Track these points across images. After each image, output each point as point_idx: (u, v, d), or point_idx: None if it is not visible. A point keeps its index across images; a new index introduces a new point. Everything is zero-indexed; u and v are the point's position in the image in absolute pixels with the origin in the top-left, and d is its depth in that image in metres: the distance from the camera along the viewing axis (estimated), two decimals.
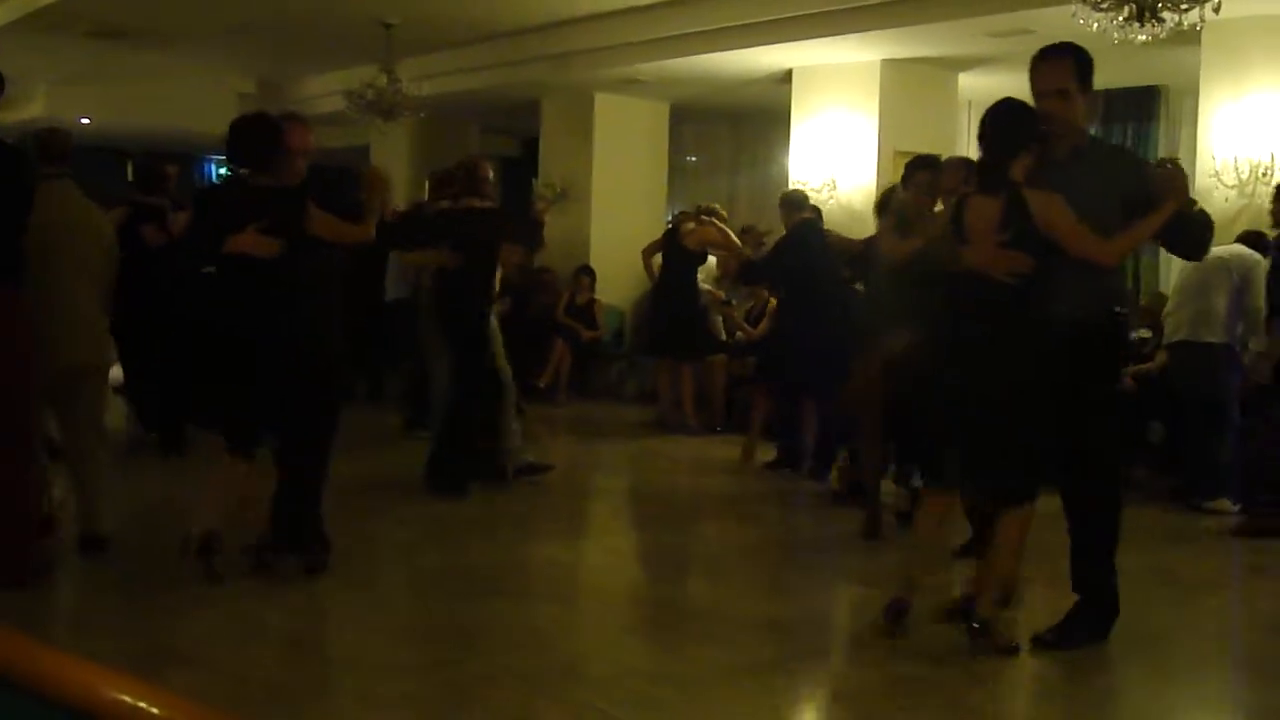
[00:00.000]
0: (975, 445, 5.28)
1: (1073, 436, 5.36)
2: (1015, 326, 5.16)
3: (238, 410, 6.17)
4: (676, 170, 16.25)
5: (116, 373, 9.85)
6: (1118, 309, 5.51)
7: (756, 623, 5.96)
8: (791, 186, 12.38)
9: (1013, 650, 5.27)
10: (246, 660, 5.23)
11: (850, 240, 9.22)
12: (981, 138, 5.31)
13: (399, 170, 17.10)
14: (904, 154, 11.93)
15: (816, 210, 10.33)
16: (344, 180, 8.12)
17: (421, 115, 13.66)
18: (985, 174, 5.31)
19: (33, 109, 17.78)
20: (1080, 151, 5.37)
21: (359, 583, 6.30)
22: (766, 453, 9.94)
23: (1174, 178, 5.36)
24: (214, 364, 6.29)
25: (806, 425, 9.51)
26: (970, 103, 13.13)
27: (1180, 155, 11.91)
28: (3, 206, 5.82)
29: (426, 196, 11.07)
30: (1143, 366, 9.43)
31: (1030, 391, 5.15)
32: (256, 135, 6.10)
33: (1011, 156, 5.17)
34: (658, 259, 12.23)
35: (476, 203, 8.70)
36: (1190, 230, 5.46)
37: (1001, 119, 5.27)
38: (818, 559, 7.44)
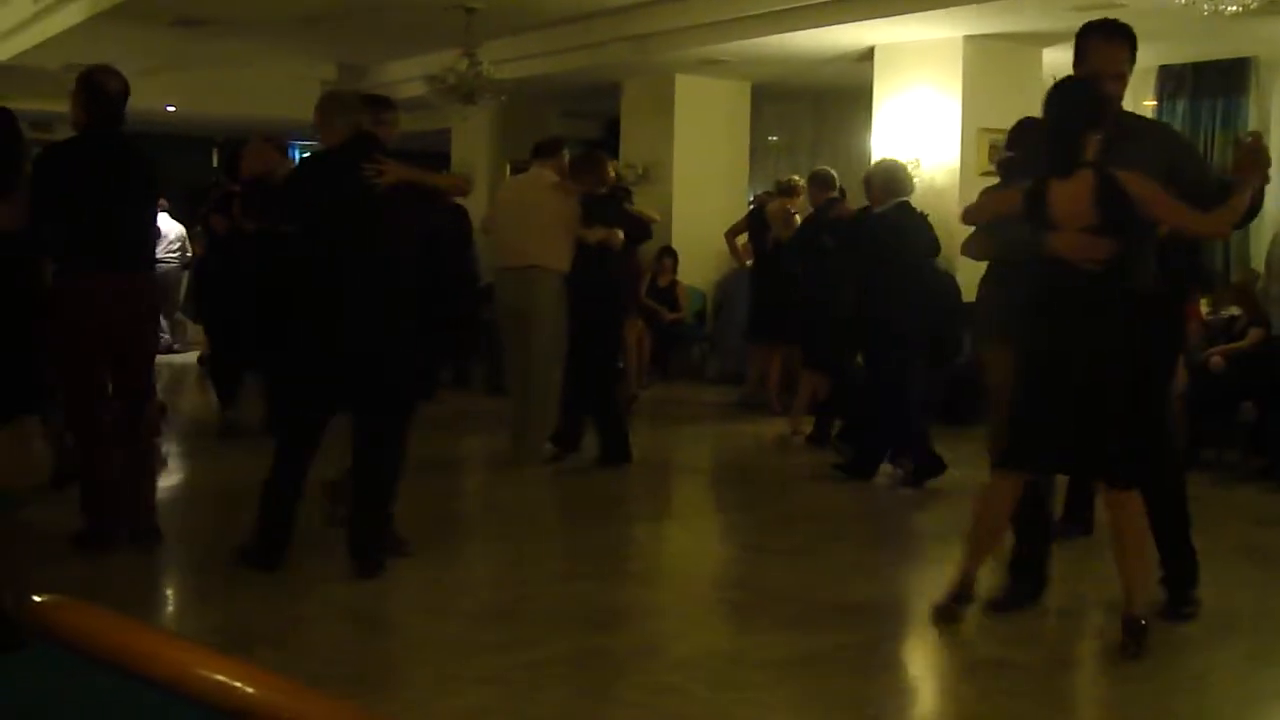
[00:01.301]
0: (1098, 428, 5.08)
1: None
2: (1121, 308, 5.03)
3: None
4: (758, 150, 16.16)
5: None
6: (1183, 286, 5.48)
7: (839, 604, 5.94)
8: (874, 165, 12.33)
9: None
10: (330, 641, 5.30)
11: (845, 210, 9.60)
12: (1052, 118, 5.18)
13: (480, 154, 17.16)
14: (988, 131, 11.84)
15: (843, 191, 10.70)
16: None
17: (502, 99, 13.66)
18: (1059, 156, 5.10)
19: None
20: (1124, 129, 5.28)
21: (441, 564, 6.34)
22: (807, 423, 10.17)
23: (1257, 150, 5.26)
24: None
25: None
26: (1055, 78, 12.93)
27: (1272, 128, 11.73)
28: (108, 198, 6.13)
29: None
30: (1234, 345, 9.29)
31: (1149, 371, 5.10)
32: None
33: (1084, 137, 5.03)
34: (742, 239, 12.18)
35: (602, 190, 9.06)
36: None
37: (1073, 99, 5.15)
38: (901, 540, 7.40)
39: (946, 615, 5.36)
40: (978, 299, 6.39)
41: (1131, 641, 4.98)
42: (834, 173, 10.78)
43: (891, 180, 8.88)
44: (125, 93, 6.31)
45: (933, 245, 8.90)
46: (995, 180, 7.18)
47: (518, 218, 8.78)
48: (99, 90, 6.23)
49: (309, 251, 6.13)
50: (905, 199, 8.86)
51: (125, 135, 6.38)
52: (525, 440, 8.83)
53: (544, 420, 8.84)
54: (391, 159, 6.05)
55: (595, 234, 8.79)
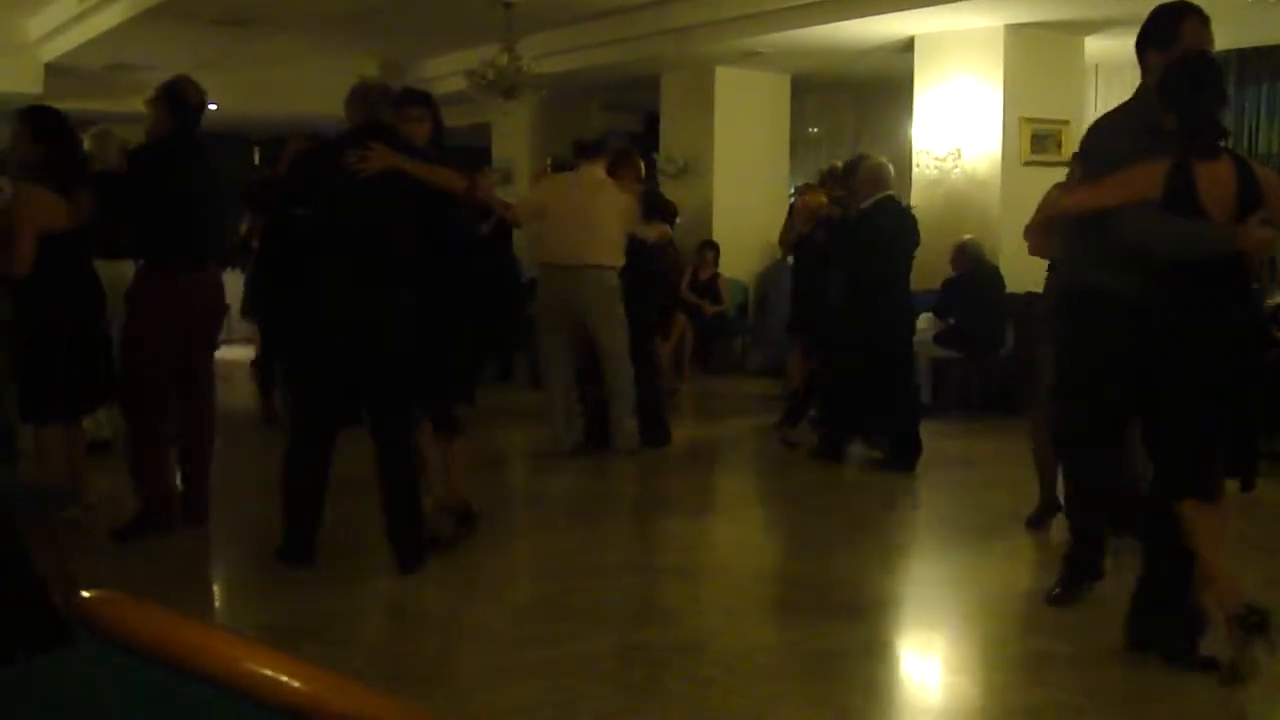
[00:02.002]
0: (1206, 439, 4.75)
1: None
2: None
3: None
4: (798, 142, 16.13)
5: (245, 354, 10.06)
6: None
7: (882, 598, 5.93)
8: (915, 155, 12.29)
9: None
10: (375, 635, 5.33)
11: (831, 209, 9.56)
12: (1186, 95, 4.74)
13: (521, 148, 17.19)
14: (1030, 121, 11.78)
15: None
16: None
17: (542, 93, 13.67)
18: (1206, 134, 4.72)
19: None
20: None
21: (487, 558, 6.35)
22: None
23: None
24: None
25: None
26: (1098, 67, 12.87)
27: None
28: (192, 198, 6.60)
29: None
30: None
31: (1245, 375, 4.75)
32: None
33: (1222, 116, 4.78)
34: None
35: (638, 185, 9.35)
36: None
37: (1208, 75, 4.79)
38: (944, 531, 7.37)
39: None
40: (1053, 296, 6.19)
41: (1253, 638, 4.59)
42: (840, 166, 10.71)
43: (876, 176, 8.89)
44: (204, 104, 6.80)
45: (913, 240, 8.93)
46: (1038, 170, 7.21)
47: (571, 216, 8.79)
48: (182, 99, 6.66)
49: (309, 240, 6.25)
50: (890, 193, 8.91)
51: (200, 140, 6.84)
52: (621, 428, 9.05)
53: (628, 409, 9.07)
54: (409, 151, 6.06)
55: (653, 230, 8.94)
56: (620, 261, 8.90)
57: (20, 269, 5.98)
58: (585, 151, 9.20)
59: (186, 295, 6.63)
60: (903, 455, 8.75)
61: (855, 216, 8.91)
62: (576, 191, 8.94)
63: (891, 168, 9.03)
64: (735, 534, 7.54)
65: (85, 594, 1.40)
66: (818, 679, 4.77)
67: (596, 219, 8.81)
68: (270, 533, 6.19)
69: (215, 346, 7.13)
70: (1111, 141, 5.18)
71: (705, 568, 6.71)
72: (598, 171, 9.05)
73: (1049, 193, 6.85)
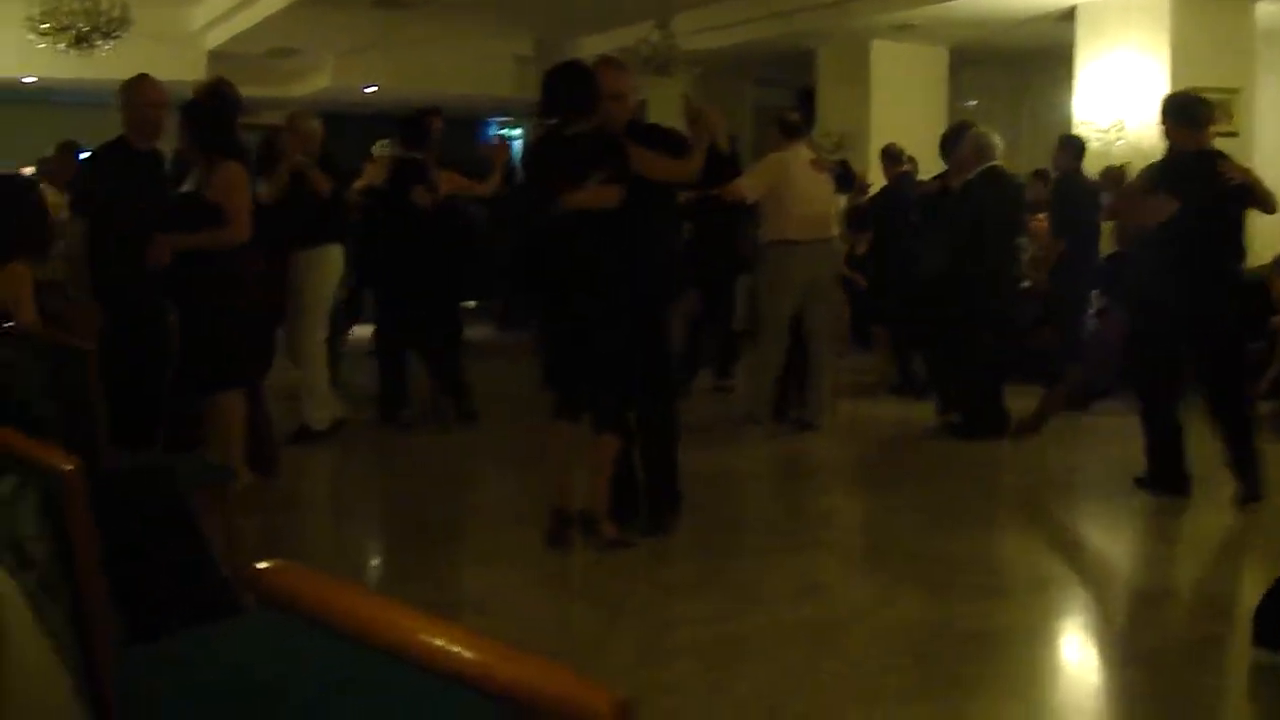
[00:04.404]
0: None
1: None
2: None
3: (566, 373, 6.09)
4: (956, 116, 15.87)
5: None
6: None
7: (1040, 578, 5.84)
8: (1077, 127, 12.03)
9: None
10: (530, 609, 5.37)
11: (927, 184, 9.92)
12: None
13: (676, 126, 17.14)
14: (1197, 90, 11.46)
15: (914, 162, 11.41)
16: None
17: (697, 70, 13.66)
18: None
19: (321, 80, 18.42)
20: None
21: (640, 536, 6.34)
22: None
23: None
24: (550, 327, 6.23)
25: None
26: (1270, 32, 12.48)
27: None
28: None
29: None
30: None
31: None
32: (569, 82, 5.98)
33: None
34: None
35: None
36: None
37: None
38: (1100, 510, 7.21)
39: None
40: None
41: None
42: (901, 148, 11.47)
43: (979, 148, 8.97)
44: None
45: (1019, 214, 9.30)
46: None
47: (806, 194, 8.96)
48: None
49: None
50: (995, 164, 8.97)
51: None
52: (820, 400, 9.27)
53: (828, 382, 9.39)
54: None
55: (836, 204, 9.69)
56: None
57: (241, 238, 6.47)
58: (793, 131, 9.23)
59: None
60: (976, 425, 8.84)
61: (957, 190, 9.01)
62: (803, 169, 9.02)
63: (997, 139, 8.96)
64: (887, 511, 7.47)
65: (260, 564, 1.42)
66: (974, 660, 4.71)
67: (824, 194, 9.19)
68: (423, 509, 6.26)
69: None
70: None
71: (857, 544, 6.67)
72: (805, 150, 9.23)
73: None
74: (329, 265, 8.39)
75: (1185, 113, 7.17)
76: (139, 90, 6.70)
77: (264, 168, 8.05)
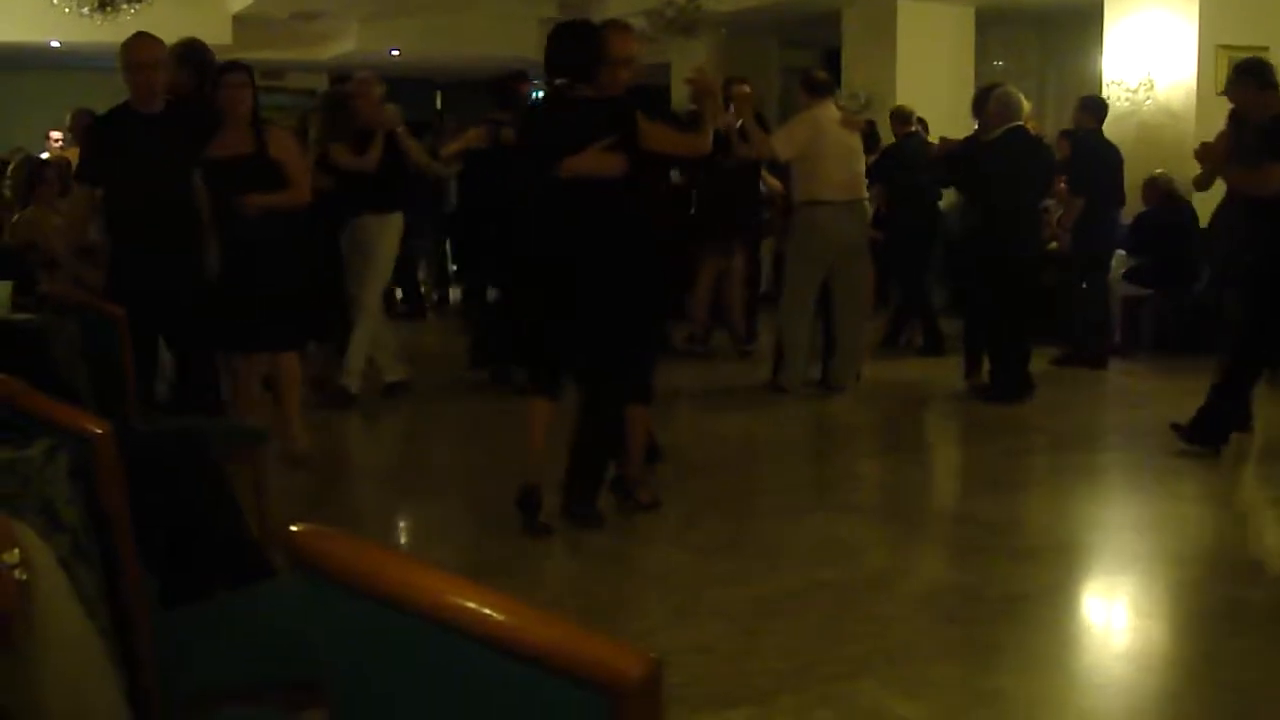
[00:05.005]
0: None
1: None
2: None
3: (544, 346, 5.89)
4: (983, 77, 15.76)
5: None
6: None
7: (1066, 541, 5.83)
8: (1106, 87, 11.95)
9: None
10: (560, 572, 5.39)
11: (949, 142, 9.84)
12: None
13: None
14: (1227, 49, 11.35)
15: (923, 123, 11.59)
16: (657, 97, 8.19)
17: (722, 31, 13.60)
18: None
19: (345, 45, 18.43)
20: None
21: (668, 498, 6.32)
22: None
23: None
24: (529, 296, 6.08)
25: None
26: None
27: None
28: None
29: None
30: None
31: None
32: (577, 43, 5.71)
33: None
34: None
35: None
36: None
37: None
38: (1129, 475, 7.19)
39: None
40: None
41: None
42: (911, 109, 11.52)
43: (1005, 105, 8.94)
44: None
45: (1044, 172, 9.18)
46: None
47: (838, 153, 8.83)
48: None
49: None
50: (1020, 124, 8.95)
51: None
52: (851, 362, 9.28)
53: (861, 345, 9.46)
54: None
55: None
56: None
57: (306, 199, 6.70)
58: (820, 88, 9.08)
59: None
60: (1004, 387, 8.82)
61: (982, 147, 8.98)
62: (833, 128, 8.89)
63: (1023, 98, 8.93)
64: (920, 474, 7.47)
65: (294, 528, 1.43)
66: (1003, 621, 4.71)
67: (855, 153, 9.00)
68: (453, 475, 6.27)
69: None
70: None
71: (889, 507, 6.66)
72: (833, 109, 9.07)
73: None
74: (397, 230, 8.56)
75: (1264, 77, 7.09)
76: (124, 52, 6.28)
77: (333, 133, 8.20)
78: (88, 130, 7.32)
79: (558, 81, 5.83)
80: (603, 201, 5.58)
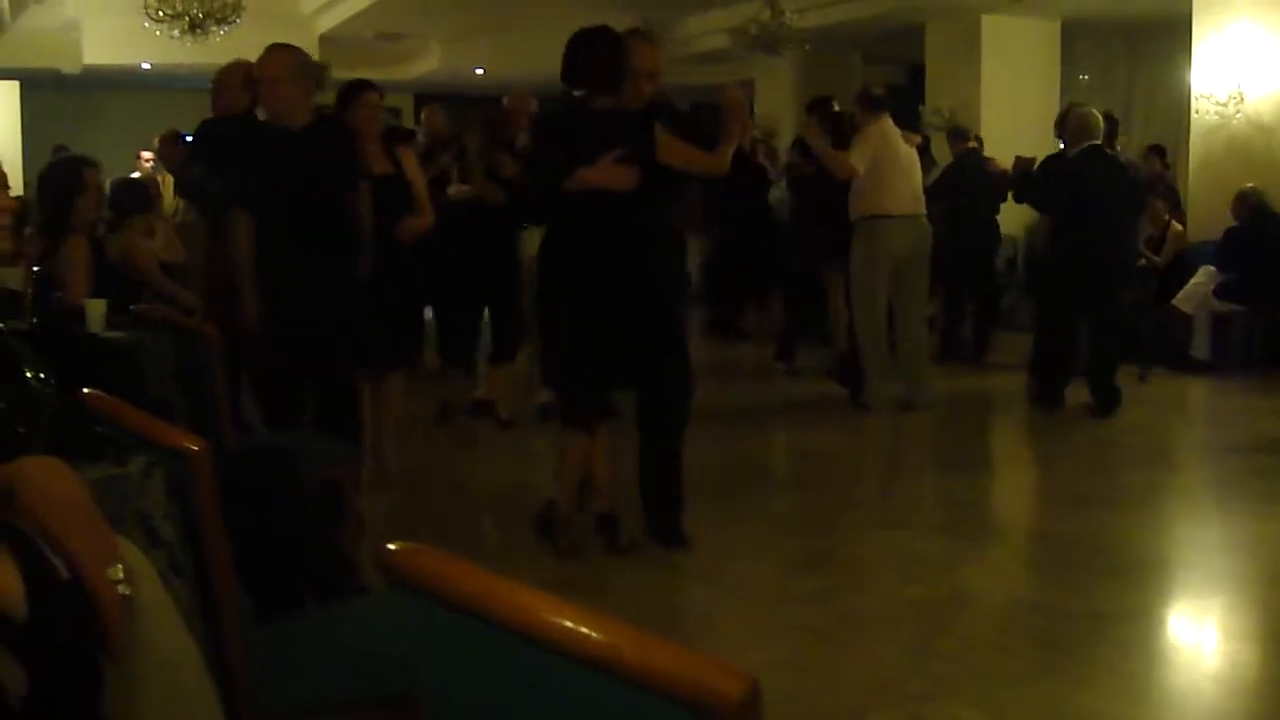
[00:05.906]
0: None
1: None
2: None
3: (575, 379, 5.62)
4: (1069, 92, 15.65)
5: None
6: None
7: (1154, 560, 5.75)
8: (1195, 100, 11.82)
9: None
10: (643, 588, 5.37)
11: (1024, 160, 9.88)
12: None
13: (785, 104, 17.07)
14: None
15: (980, 140, 12.04)
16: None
17: (806, 48, 13.58)
18: None
19: (429, 63, 18.57)
20: None
21: (753, 513, 6.35)
22: None
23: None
24: (551, 323, 5.69)
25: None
26: None
27: None
28: None
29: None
30: None
31: None
32: (597, 52, 5.43)
33: None
34: None
35: None
36: None
37: None
38: (1219, 495, 7.08)
39: None
40: None
41: None
42: (968, 127, 12.10)
43: (1083, 125, 8.97)
44: None
45: (1120, 192, 9.06)
46: None
47: (901, 168, 8.92)
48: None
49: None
50: (1096, 143, 8.92)
51: None
52: (919, 381, 9.20)
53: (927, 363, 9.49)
54: None
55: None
56: None
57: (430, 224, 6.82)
58: (877, 105, 9.09)
59: None
60: (1106, 402, 8.81)
61: (1056, 165, 9.08)
62: (897, 142, 8.96)
63: (1100, 118, 8.94)
64: (1005, 491, 7.41)
65: (390, 546, 1.44)
66: (1091, 642, 4.65)
67: (916, 169, 9.10)
68: (529, 496, 6.27)
69: None
70: None
71: (975, 524, 6.60)
72: (890, 123, 9.06)
73: None
74: None
75: None
76: (259, 67, 5.88)
77: (494, 148, 8.29)
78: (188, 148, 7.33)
79: (576, 93, 5.57)
80: (619, 215, 5.36)
